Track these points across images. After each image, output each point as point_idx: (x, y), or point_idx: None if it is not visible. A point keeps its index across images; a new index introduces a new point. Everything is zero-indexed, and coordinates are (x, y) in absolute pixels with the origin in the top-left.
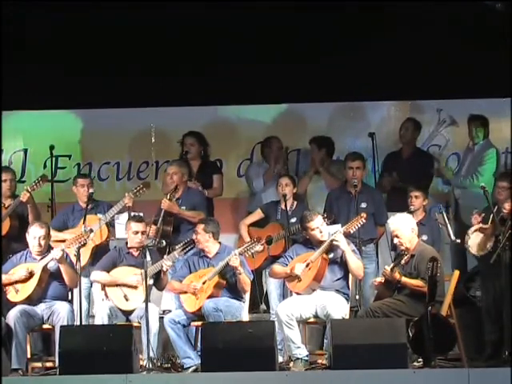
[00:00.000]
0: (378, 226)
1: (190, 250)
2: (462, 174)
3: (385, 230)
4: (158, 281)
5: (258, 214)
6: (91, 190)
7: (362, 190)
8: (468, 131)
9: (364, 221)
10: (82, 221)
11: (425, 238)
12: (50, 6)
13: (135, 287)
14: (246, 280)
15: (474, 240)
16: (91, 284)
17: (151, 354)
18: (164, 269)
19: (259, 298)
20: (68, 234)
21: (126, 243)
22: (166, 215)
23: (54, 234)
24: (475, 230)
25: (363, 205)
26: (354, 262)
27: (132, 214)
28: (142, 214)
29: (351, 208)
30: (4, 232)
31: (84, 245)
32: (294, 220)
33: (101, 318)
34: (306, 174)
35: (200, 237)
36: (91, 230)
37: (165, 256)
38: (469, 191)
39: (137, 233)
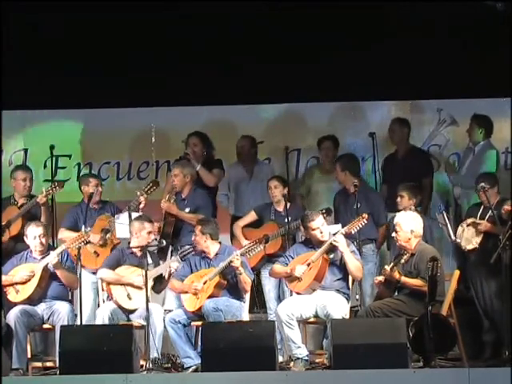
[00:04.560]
0: (378, 226)
1: (188, 256)
2: (462, 174)
3: (387, 231)
4: (158, 284)
5: (251, 216)
6: (91, 190)
7: (359, 190)
8: (469, 129)
9: (365, 221)
10: (95, 221)
11: None
12: (50, 6)
13: (139, 287)
14: (246, 280)
15: (465, 233)
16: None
17: (155, 355)
18: (172, 270)
19: (256, 298)
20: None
21: (129, 243)
22: (167, 216)
23: (70, 235)
24: (469, 224)
25: (358, 205)
26: (353, 264)
27: (138, 214)
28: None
29: (347, 208)
30: (15, 232)
31: (88, 243)
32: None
33: (101, 320)
34: (310, 172)
35: (198, 238)
36: (108, 231)
37: (172, 257)
38: (471, 192)
39: (150, 233)
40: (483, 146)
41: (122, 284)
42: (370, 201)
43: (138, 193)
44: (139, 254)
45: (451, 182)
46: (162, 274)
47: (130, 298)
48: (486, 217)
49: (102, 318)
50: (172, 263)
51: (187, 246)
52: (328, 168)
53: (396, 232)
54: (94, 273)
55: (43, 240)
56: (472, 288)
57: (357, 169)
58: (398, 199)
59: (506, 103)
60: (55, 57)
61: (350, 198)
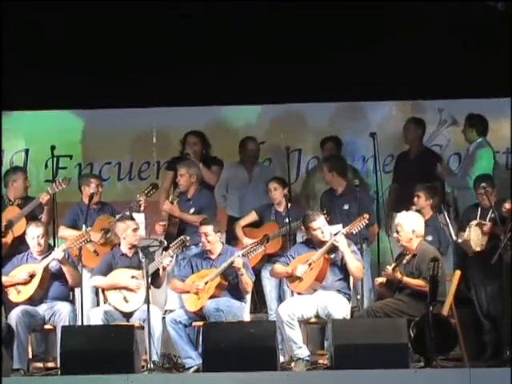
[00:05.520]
0: (368, 226)
1: (183, 247)
2: (459, 175)
3: (378, 230)
4: (156, 279)
5: (252, 216)
6: (92, 190)
7: (346, 191)
8: (463, 129)
9: (367, 221)
10: (95, 220)
11: (429, 238)
12: (50, 6)
13: (134, 290)
14: (247, 281)
15: (473, 234)
16: None
17: (154, 358)
18: (165, 265)
19: (256, 299)
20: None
21: (119, 245)
22: (171, 217)
23: (70, 233)
24: (476, 225)
25: (346, 206)
26: (354, 264)
27: (121, 214)
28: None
29: (335, 209)
30: (20, 232)
31: (88, 242)
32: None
33: (95, 323)
34: (313, 173)
35: (211, 238)
36: (108, 230)
37: (163, 253)
38: (467, 192)
39: (135, 230)
40: (476, 146)
41: (116, 288)
42: (360, 201)
43: (138, 195)
44: (130, 254)
45: (447, 184)
46: (158, 269)
47: (126, 301)
48: (487, 218)
49: (95, 321)
50: (164, 259)
51: (178, 239)
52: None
53: (397, 232)
54: None
55: (41, 241)
56: (473, 288)
57: (344, 170)
58: (415, 199)
59: (506, 103)
60: (56, 57)
61: (336, 199)
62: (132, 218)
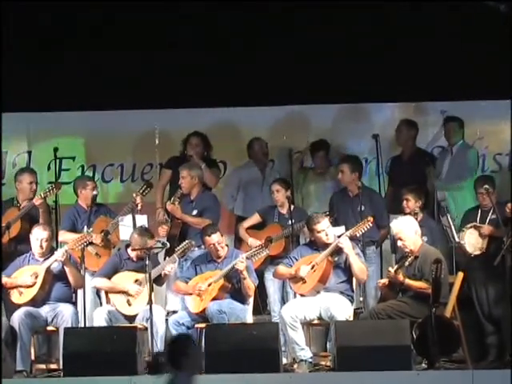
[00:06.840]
0: (380, 228)
1: (188, 252)
2: (442, 177)
3: (388, 233)
4: (159, 280)
5: (255, 218)
6: (95, 192)
7: (361, 193)
8: (446, 131)
9: (371, 225)
10: (94, 223)
11: (424, 239)
12: (50, 6)
13: (135, 295)
14: (250, 285)
15: (469, 238)
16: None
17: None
18: (166, 272)
19: (259, 300)
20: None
21: (126, 246)
22: (173, 218)
23: (71, 237)
24: (470, 227)
25: (361, 207)
26: (358, 266)
27: (141, 217)
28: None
29: (349, 211)
30: (15, 233)
31: (90, 243)
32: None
33: (98, 323)
34: (304, 173)
35: (223, 244)
36: (108, 232)
37: (167, 258)
38: (455, 193)
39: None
40: (462, 147)
41: (119, 291)
42: (374, 203)
43: (134, 194)
44: (136, 259)
45: (435, 187)
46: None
47: (129, 304)
48: (487, 220)
49: (99, 322)
50: (167, 265)
51: (183, 243)
52: (320, 171)
53: (401, 239)
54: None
55: (44, 244)
56: (474, 291)
57: (362, 171)
58: (404, 203)
59: (507, 104)
60: (57, 57)
61: (352, 200)
62: (152, 237)
